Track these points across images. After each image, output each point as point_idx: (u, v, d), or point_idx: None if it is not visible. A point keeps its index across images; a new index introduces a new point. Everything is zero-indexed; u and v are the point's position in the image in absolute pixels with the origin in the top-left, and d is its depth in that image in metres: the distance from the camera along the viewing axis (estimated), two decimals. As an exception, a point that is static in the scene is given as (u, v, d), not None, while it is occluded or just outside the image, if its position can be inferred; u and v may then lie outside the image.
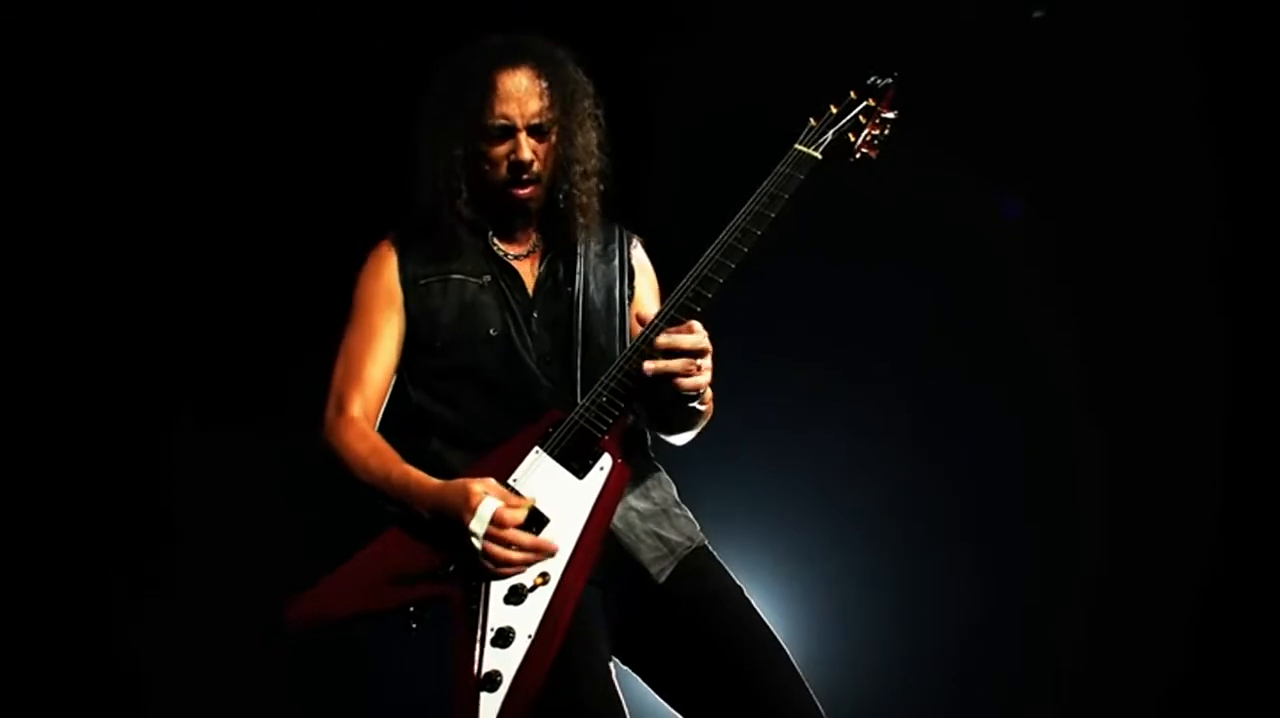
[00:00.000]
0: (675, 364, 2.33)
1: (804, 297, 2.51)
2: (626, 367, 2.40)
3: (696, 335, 2.36)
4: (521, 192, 2.58)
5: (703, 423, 2.62)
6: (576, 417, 2.41)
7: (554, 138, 2.59)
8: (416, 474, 2.43)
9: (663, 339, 2.34)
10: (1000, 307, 4.28)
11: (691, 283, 2.42)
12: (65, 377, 4.02)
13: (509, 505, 2.31)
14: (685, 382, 2.33)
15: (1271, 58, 3.94)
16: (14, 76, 3.89)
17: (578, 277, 2.63)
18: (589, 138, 2.63)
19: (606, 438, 2.39)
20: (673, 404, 2.43)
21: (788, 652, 2.45)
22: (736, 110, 3.95)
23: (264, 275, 4.07)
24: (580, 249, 2.66)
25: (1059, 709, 4.24)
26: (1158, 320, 4.18)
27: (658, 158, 2.82)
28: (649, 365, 2.33)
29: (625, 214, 2.79)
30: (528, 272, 2.66)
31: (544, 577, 2.30)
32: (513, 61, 2.55)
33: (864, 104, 2.60)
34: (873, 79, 2.63)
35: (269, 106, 4.03)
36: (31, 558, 3.96)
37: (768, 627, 2.48)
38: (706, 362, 2.37)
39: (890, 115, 2.62)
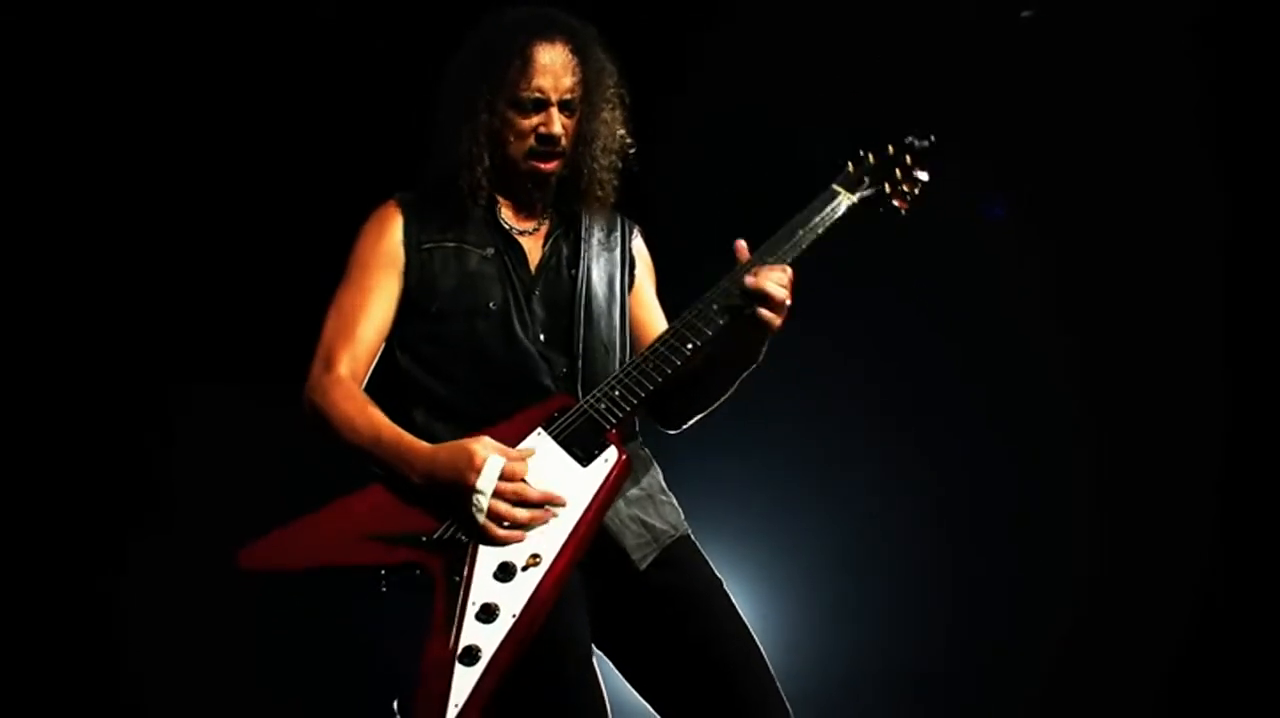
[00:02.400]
0: (776, 291, 2.33)
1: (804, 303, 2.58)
2: (644, 364, 2.38)
3: (787, 276, 2.37)
4: (545, 165, 2.56)
5: (716, 403, 2.60)
6: (586, 405, 2.36)
7: (580, 114, 2.58)
8: (408, 437, 2.34)
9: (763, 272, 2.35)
10: (994, 306, 4.34)
11: (716, 295, 2.42)
12: (59, 350, 3.96)
13: (513, 461, 2.25)
14: (769, 314, 2.33)
15: (1271, 59, 4.06)
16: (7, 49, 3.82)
17: (582, 260, 2.60)
18: (613, 115, 2.62)
19: (614, 430, 2.34)
20: (744, 342, 2.42)
21: (762, 649, 2.42)
22: (736, 109, 4.06)
23: (261, 253, 4.02)
24: (584, 234, 2.64)
25: (1045, 711, 4.25)
26: (1156, 326, 4.26)
27: (659, 153, 2.88)
28: (750, 280, 2.34)
29: (629, 205, 2.79)
30: (532, 248, 2.62)
31: (536, 558, 2.21)
32: (548, 35, 2.54)
33: (901, 161, 2.65)
34: (910, 139, 2.69)
35: (269, 94, 4.01)
36: (23, 535, 3.89)
37: (744, 622, 2.44)
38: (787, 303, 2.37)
39: (924, 177, 2.67)
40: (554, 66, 2.53)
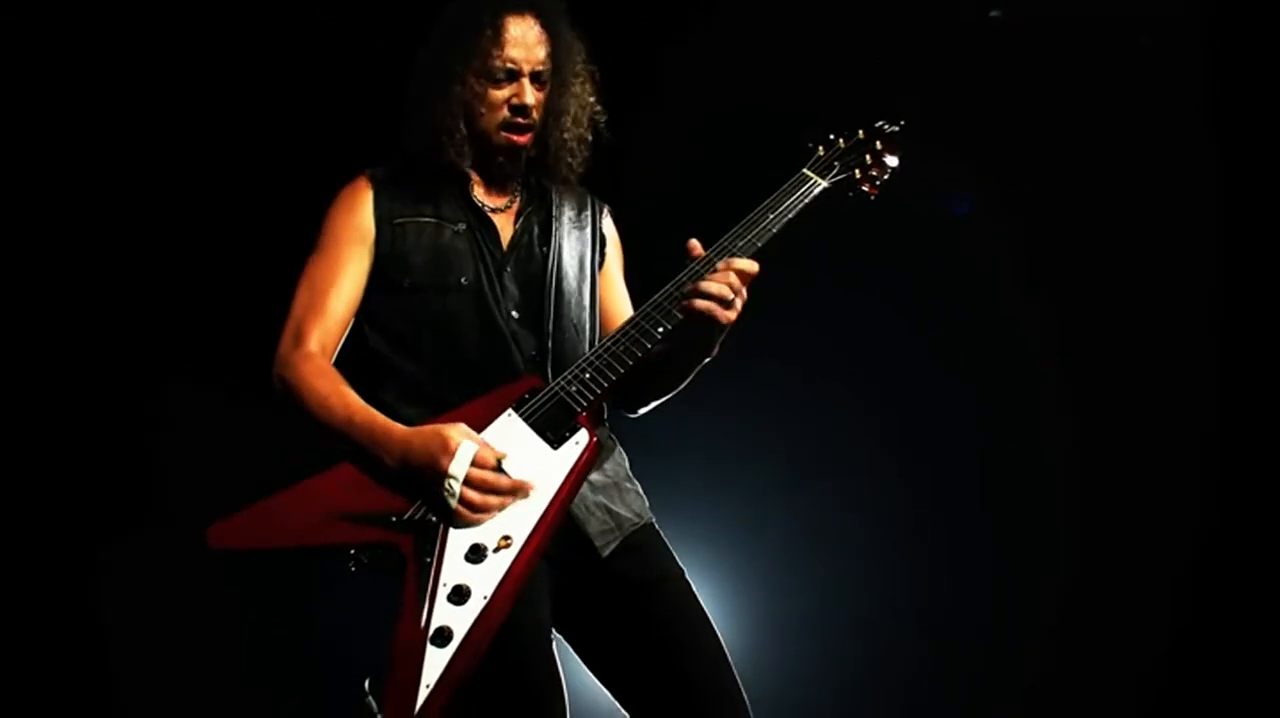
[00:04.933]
0: (714, 288, 2.32)
1: (771, 290, 2.57)
2: (614, 347, 2.38)
3: (728, 277, 2.35)
4: (518, 137, 2.56)
5: (681, 386, 2.59)
6: (557, 387, 2.36)
7: (550, 87, 2.58)
8: (382, 419, 2.33)
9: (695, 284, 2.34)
10: (976, 307, 4.34)
11: (686, 277, 2.41)
12: (39, 346, 3.93)
13: (487, 449, 2.25)
14: (719, 309, 2.32)
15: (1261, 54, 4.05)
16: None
17: (553, 239, 2.61)
18: (584, 89, 2.63)
19: (584, 413, 2.35)
20: (697, 334, 2.39)
21: (721, 640, 2.45)
22: (717, 99, 4.06)
23: (250, 248, 3.96)
24: (555, 211, 2.65)
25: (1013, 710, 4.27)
26: (1140, 324, 4.26)
27: (641, 138, 2.89)
28: (690, 287, 2.33)
29: (610, 190, 2.81)
30: (504, 225, 2.62)
31: (507, 539, 2.22)
32: (520, 8, 2.56)
33: (870, 146, 2.66)
34: (881, 124, 2.70)
35: (270, 93, 3.98)
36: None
37: (704, 612, 2.47)
38: (738, 302, 2.36)
39: (893, 162, 2.68)
40: (525, 38, 2.54)
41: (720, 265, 2.36)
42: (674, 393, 2.63)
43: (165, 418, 3.95)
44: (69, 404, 3.92)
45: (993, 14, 4.18)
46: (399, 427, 2.30)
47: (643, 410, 2.69)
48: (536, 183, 2.67)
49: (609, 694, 2.49)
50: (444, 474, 2.21)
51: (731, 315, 2.36)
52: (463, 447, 2.22)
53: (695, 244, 2.42)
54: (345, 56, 3.93)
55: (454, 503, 2.21)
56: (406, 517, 2.24)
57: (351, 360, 2.52)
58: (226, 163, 3.98)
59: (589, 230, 2.69)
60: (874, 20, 4.06)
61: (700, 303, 2.33)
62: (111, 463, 3.93)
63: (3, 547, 3.85)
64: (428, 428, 2.28)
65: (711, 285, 2.33)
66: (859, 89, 3.82)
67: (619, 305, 2.72)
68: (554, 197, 2.66)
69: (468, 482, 2.21)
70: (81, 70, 3.86)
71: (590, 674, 2.51)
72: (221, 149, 3.97)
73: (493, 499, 2.22)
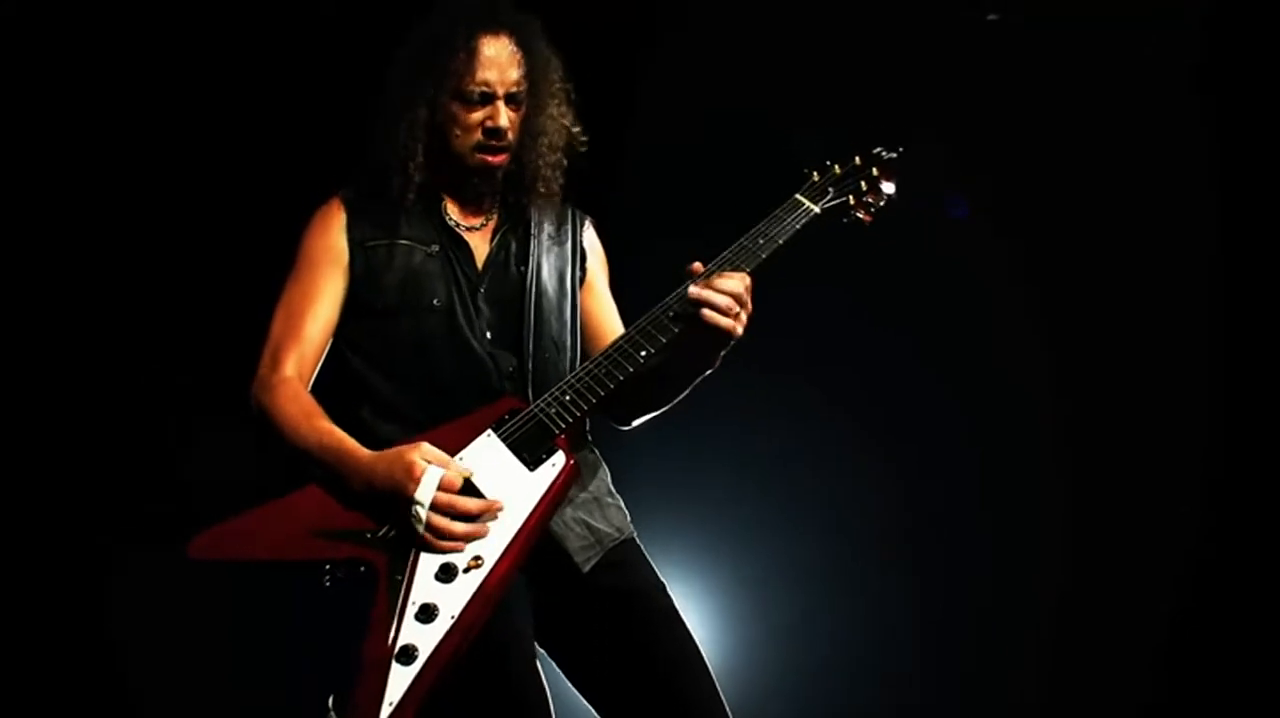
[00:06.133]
0: (720, 299, 2.33)
1: (762, 293, 2.59)
2: (596, 370, 2.39)
3: (737, 283, 2.37)
4: (493, 159, 2.55)
5: (676, 399, 2.59)
6: (537, 409, 2.37)
7: (525, 108, 2.57)
8: (350, 444, 2.33)
9: (708, 282, 2.36)
10: (970, 319, 4.32)
11: (674, 301, 2.41)
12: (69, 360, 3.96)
13: (452, 472, 2.26)
14: (722, 319, 2.33)
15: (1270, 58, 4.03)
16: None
17: (531, 257, 2.60)
18: (560, 110, 2.62)
19: (563, 435, 2.35)
20: (700, 347, 2.41)
21: (703, 655, 2.44)
22: (714, 111, 4.07)
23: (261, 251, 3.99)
24: (534, 229, 2.64)
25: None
26: (1135, 338, 4.23)
27: (634, 152, 2.86)
28: (693, 290, 2.34)
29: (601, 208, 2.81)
30: (479, 245, 2.61)
31: (478, 560, 2.23)
32: (494, 28, 2.54)
33: (867, 172, 2.65)
34: (878, 150, 2.68)
35: (278, 93, 3.99)
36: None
37: (685, 627, 2.46)
38: (744, 315, 2.37)
39: (889, 189, 2.67)
40: (499, 59, 2.52)
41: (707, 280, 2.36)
42: (668, 407, 2.63)
43: (177, 419, 3.98)
44: (74, 407, 3.96)
45: (990, 17, 4.14)
46: (365, 451, 2.31)
47: (635, 424, 2.68)
48: (514, 200, 2.65)
49: (592, 710, 2.50)
50: (410, 500, 2.22)
51: (738, 328, 2.37)
52: (428, 472, 2.23)
53: (698, 265, 2.43)
54: (359, 58, 3.96)
55: (421, 529, 2.22)
56: (380, 533, 2.26)
57: (334, 382, 2.54)
58: (255, 165, 3.99)
59: (569, 245, 2.68)
60: (868, 24, 4.04)
61: (708, 313, 2.33)
62: (118, 465, 3.96)
63: (10, 549, 3.90)
64: (391, 452, 2.28)
65: (711, 295, 2.33)
66: (851, 93, 3.79)
67: (605, 319, 2.71)
68: (532, 213, 2.65)
69: (434, 507, 2.22)
70: (86, 72, 3.90)
71: (574, 690, 2.51)
72: (254, 152, 3.99)
73: (458, 527, 2.23)
